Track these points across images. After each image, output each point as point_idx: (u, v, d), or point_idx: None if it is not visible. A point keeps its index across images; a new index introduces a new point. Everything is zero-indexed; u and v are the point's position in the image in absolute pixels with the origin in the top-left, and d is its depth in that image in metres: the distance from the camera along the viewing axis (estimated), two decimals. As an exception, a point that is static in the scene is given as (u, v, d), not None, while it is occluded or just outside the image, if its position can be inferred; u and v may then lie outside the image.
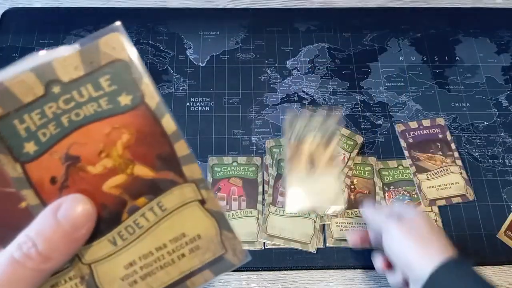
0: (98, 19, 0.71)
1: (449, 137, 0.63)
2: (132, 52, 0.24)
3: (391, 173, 0.61)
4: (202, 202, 0.26)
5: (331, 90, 0.67)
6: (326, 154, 0.59)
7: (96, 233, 0.25)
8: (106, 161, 0.25)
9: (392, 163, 0.62)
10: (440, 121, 0.65)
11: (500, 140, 0.64)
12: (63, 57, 0.24)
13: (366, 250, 0.54)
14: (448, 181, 0.60)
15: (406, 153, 0.62)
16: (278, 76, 0.68)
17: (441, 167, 0.61)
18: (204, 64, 0.69)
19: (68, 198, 0.24)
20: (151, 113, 0.25)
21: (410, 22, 0.73)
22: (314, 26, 0.73)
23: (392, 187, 0.60)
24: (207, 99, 0.66)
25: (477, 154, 0.63)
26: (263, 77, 0.68)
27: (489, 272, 0.56)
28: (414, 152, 0.62)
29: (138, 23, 0.71)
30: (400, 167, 0.61)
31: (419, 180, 0.60)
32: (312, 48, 0.71)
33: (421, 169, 0.61)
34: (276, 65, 0.69)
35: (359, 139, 0.63)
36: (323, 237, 0.57)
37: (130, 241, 0.26)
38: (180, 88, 0.66)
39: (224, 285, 0.55)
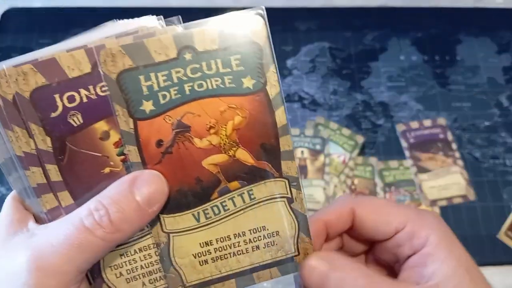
0: (99, 19, 0.70)
1: (450, 137, 0.63)
2: (268, 38, 0.25)
3: (392, 174, 0.61)
4: (290, 200, 0.27)
5: (331, 89, 0.67)
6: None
7: (182, 205, 0.26)
8: (213, 137, 0.25)
9: (393, 163, 0.62)
10: (441, 121, 0.64)
11: (501, 140, 0.64)
12: (202, 29, 0.25)
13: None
14: (449, 181, 0.60)
15: (407, 153, 0.62)
16: (279, 75, 0.68)
17: (442, 167, 0.61)
18: (205, 64, 0.68)
19: (145, 173, 0.24)
20: (268, 101, 0.25)
21: (411, 22, 0.73)
22: (315, 25, 0.72)
23: (393, 187, 0.60)
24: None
25: (478, 154, 0.63)
26: (263, 77, 0.68)
27: (489, 272, 0.56)
28: (415, 152, 0.62)
29: (138, 22, 0.71)
30: (401, 167, 0.61)
31: (420, 180, 0.60)
32: (312, 48, 0.70)
33: (422, 169, 0.61)
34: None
35: (360, 139, 0.62)
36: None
37: (213, 221, 0.26)
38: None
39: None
